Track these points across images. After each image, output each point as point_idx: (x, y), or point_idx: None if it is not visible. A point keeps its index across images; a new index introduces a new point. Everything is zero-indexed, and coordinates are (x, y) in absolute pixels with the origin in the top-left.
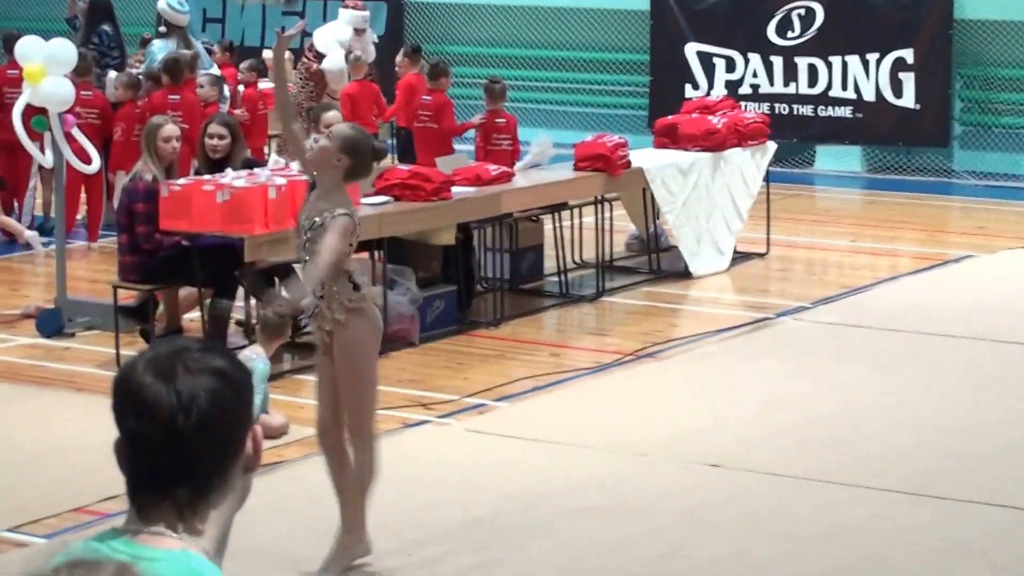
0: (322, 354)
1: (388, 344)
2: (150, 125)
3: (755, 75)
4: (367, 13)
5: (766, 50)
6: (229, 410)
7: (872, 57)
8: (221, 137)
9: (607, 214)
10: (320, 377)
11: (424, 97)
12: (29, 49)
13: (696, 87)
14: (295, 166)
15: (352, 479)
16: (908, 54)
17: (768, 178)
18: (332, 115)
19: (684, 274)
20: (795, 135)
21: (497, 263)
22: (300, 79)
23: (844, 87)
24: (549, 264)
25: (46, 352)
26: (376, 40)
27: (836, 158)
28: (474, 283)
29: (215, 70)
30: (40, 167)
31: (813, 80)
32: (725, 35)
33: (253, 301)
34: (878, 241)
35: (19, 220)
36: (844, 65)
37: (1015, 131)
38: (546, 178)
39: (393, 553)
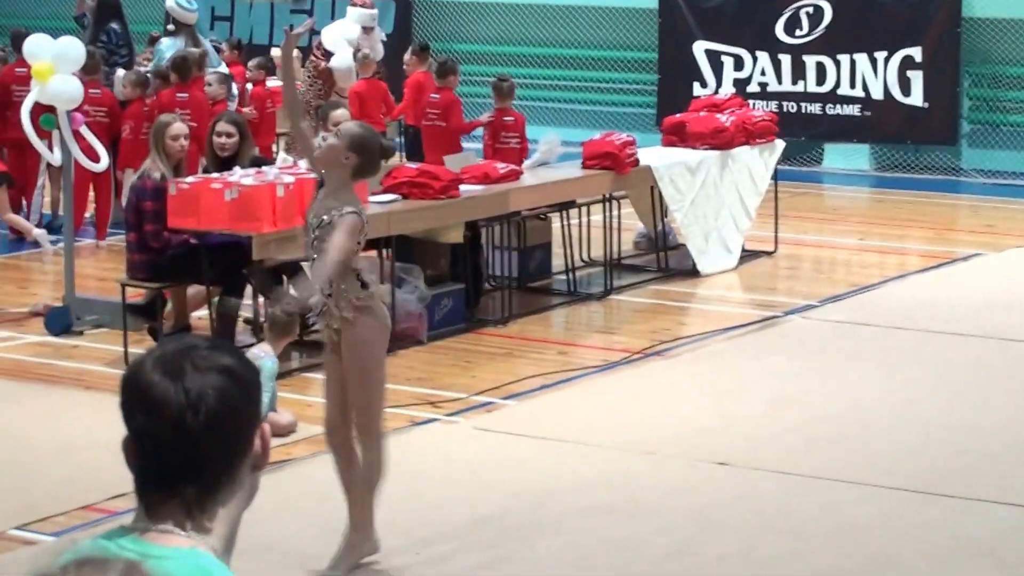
0: (330, 352)
1: (396, 342)
2: (158, 123)
3: (763, 73)
4: (375, 11)
5: (774, 48)
6: (237, 408)
7: (880, 55)
8: (229, 135)
9: (615, 212)
10: (328, 375)
11: (432, 95)
12: (37, 47)
13: (704, 85)
14: (303, 164)
15: (360, 477)
16: (916, 52)
17: (776, 176)
18: (340, 113)
19: (692, 272)
20: (803, 133)
21: (505, 261)
22: (308, 77)
23: (852, 85)
24: (557, 262)
25: (54, 350)
26: (384, 38)
27: (844, 156)
28: (482, 281)
29: (223, 68)
30: (48, 165)
31: (821, 78)
32: (733, 33)
33: (261, 299)
34: (886, 239)
35: (27, 218)
36: (852, 63)
37: (1023, 129)
38: (554, 176)
39: (401, 551)
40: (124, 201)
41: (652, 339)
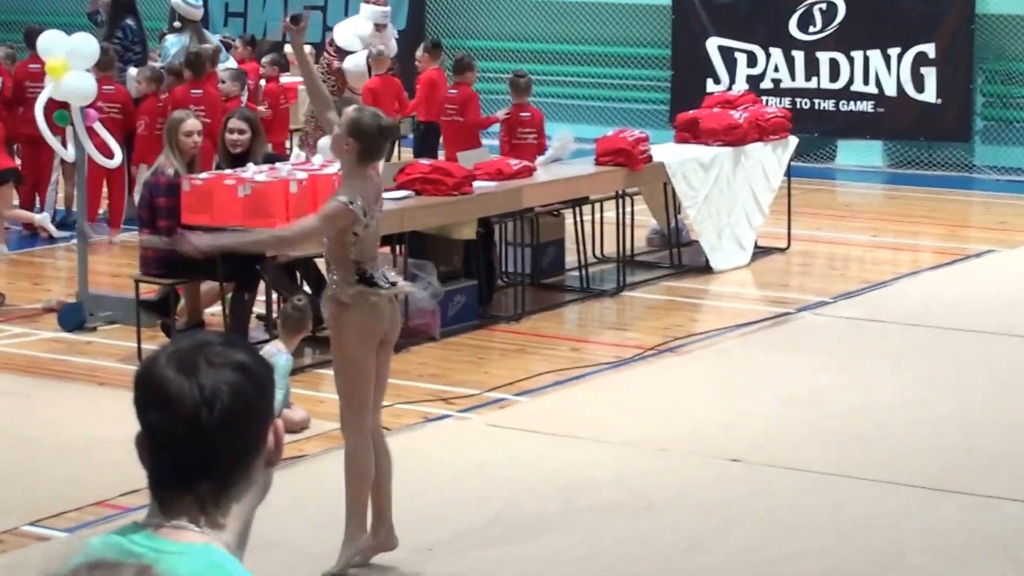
0: None
1: (409, 339)
2: (172, 120)
3: (776, 70)
4: (388, 8)
5: (788, 45)
6: (251, 404)
7: (894, 52)
8: (241, 132)
9: (628, 209)
10: None
11: (450, 91)
12: (51, 43)
13: (717, 82)
14: (316, 160)
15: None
16: (930, 49)
17: (789, 173)
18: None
19: (705, 269)
20: (816, 130)
21: (518, 257)
22: (322, 73)
23: (866, 82)
24: (570, 258)
25: (68, 346)
26: (396, 35)
27: (857, 153)
28: (495, 277)
29: (231, 63)
30: (62, 161)
31: (835, 75)
32: (747, 30)
33: (275, 295)
34: (899, 236)
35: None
36: (866, 60)
37: None
38: (567, 173)
39: (413, 547)
40: (137, 197)
41: (665, 335)
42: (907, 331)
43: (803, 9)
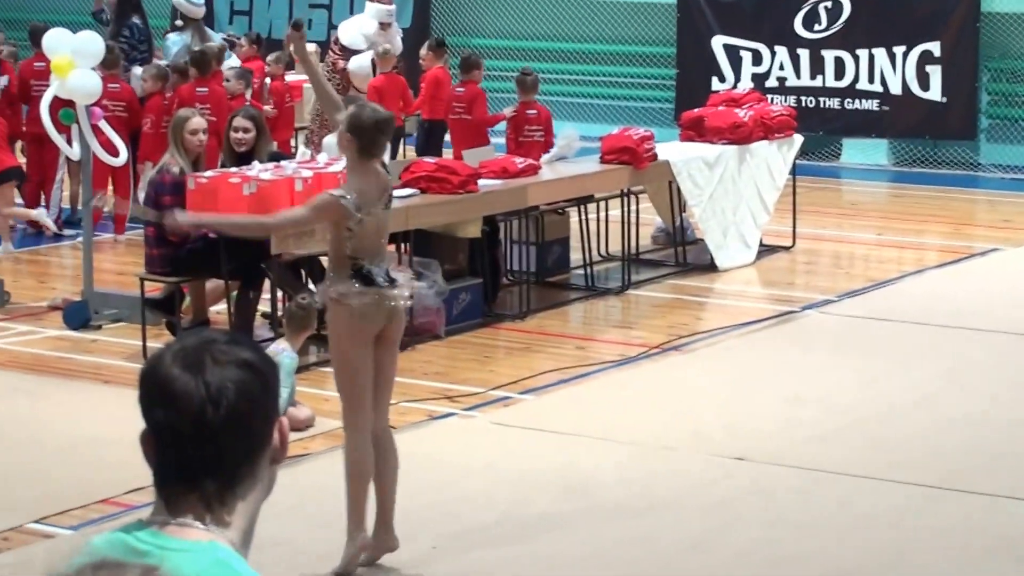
0: None
1: (414, 337)
2: (177, 118)
3: (782, 68)
4: (393, 7)
5: (793, 43)
6: (257, 402)
7: (899, 50)
8: (246, 130)
9: (633, 207)
10: None
11: (458, 89)
12: (57, 42)
13: (723, 80)
14: (321, 158)
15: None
16: (935, 47)
17: (794, 171)
18: None
19: (710, 267)
20: (821, 128)
21: (523, 256)
22: (327, 72)
23: (871, 80)
24: (575, 257)
25: (73, 344)
26: (401, 34)
27: (862, 151)
28: (500, 276)
29: (234, 61)
30: (67, 159)
31: (840, 73)
32: (752, 28)
33: (280, 293)
34: (904, 234)
35: (47, 212)
36: (871, 58)
37: None
38: (572, 171)
39: (418, 545)
40: (141, 195)
41: (670, 334)
42: (912, 329)
43: (808, 7)
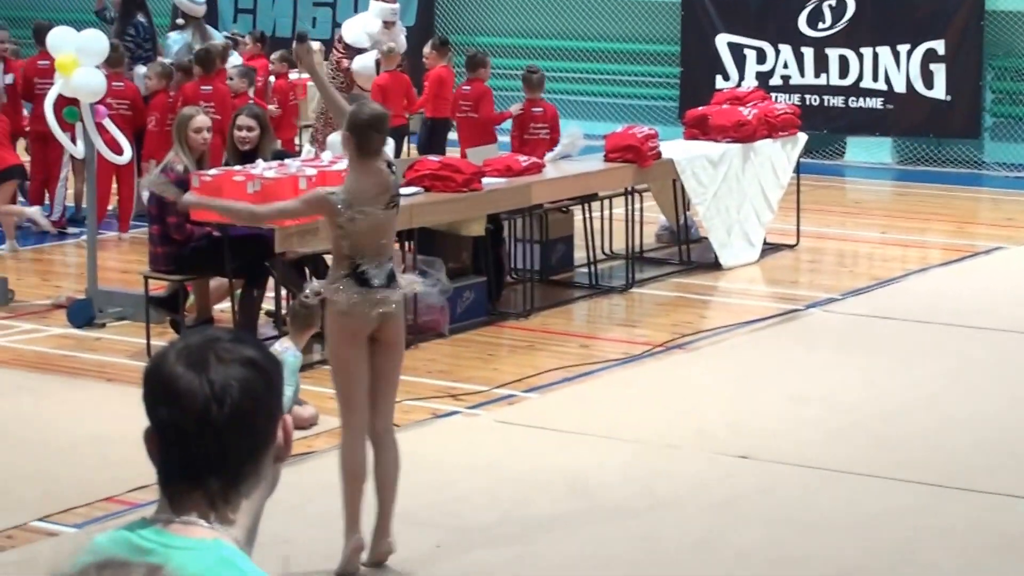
0: None
1: (418, 335)
2: (181, 116)
3: (786, 66)
4: (397, 6)
5: (797, 41)
6: (261, 400)
7: (903, 48)
8: (250, 129)
9: (637, 205)
10: None
11: (464, 87)
12: (61, 40)
13: (727, 78)
14: (326, 156)
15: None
16: (939, 45)
17: (798, 169)
18: None
19: (714, 265)
20: (825, 126)
21: (527, 254)
22: (331, 70)
23: (875, 78)
24: (579, 255)
25: (77, 342)
26: (405, 32)
27: (866, 150)
28: (504, 274)
29: (236, 59)
30: (72, 158)
31: (844, 71)
32: (756, 26)
33: (284, 291)
34: (908, 233)
35: (51, 211)
36: (875, 56)
37: None
38: (576, 169)
39: (421, 543)
40: (144, 193)
41: (674, 332)
42: (916, 328)
43: (812, 6)
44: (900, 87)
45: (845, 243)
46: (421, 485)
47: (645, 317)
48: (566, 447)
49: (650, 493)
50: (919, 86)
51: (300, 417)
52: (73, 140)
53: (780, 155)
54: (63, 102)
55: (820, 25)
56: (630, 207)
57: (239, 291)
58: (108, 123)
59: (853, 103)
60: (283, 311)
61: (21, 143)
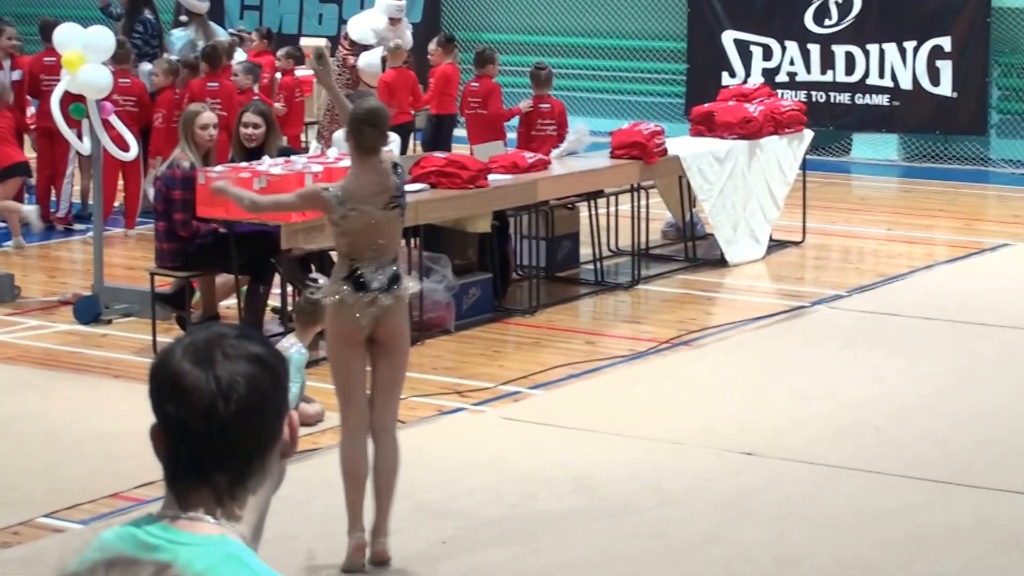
0: None
1: (424, 332)
2: (187, 113)
3: (792, 63)
4: (403, 2)
5: (803, 38)
6: (267, 396)
7: (909, 45)
8: (256, 126)
9: (643, 202)
10: None
11: (472, 84)
12: (67, 37)
13: (733, 75)
14: (331, 153)
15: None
16: (946, 42)
17: (804, 166)
18: None
19: (720, 262)
20: (832, 123)
21: (533, 251)
22: (336, 68)
23: (881, 75)
24: (585, 252)
25: (83, 339)
26: (411, 29)
27: (873, 146)
28: (510, 271)
29: (240, 55)
30: (78, 154)
31: (850, 68)
32: (762, 23)
33: (290, 288)
34: (914, 229)
35: (57, 207)
36: (881, 53)
37: None
38: (582, 166)
39: (428, 540)
40: (151, 190)
41: (679, 329)
42: (922, 325)
43: (819, 2)
44: (906, 84)
45: (851, 240)
46: (427, 481)
47: (651, 314)
48: (572, 444)
49: (656, 490)
50: (925, 83)
51: (306, 414)
52: (79, 137)
53: (786, 152)
54: (69, 99)
55: (826, 22)
56: (636, 204)
57: (245, 288)
58: (114, 120)
59: (859, 100)
60: (289, 308)
61: (27, 140)
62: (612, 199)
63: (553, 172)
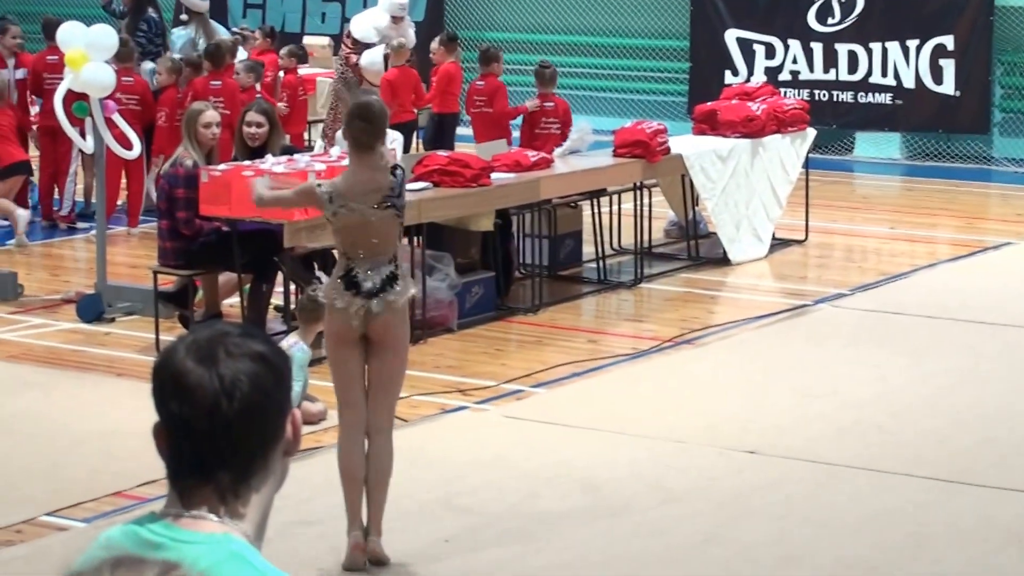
0: None
1: (426, 330)
2: (190, 111)
3: (795, 61)
4: (406, 1)
5: (806, 36)
6: (270, 394)
7: (912, 43)
8: (259, 125)
9: (646, 200)
10: None
11: (478, 83)
12: (70, 35)
13: (736, 73)
14: (334, 151)
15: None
16: (948, 40)
17: (807, 165)
18: None
19: (722, 261)
20: (834, 122)
21: (536, 249)
22: (339, 66)
23: (884, 74)
24: (587, 250)
25: (86, 337)
26: (413, 27)
27: (875, 145)
28: (512, 269)
29: (242, 54)
30: (81, 153)
31: (853, 67)
32: (765, 21)
33: (292, 286)
34: (917, 228)
35: (60, 206)
36: (884, 51)
37: None
38: (585, 164)
39: (430, 539)
40: (153, 189)
41: (682, 327)
42: (924, 323)
43: (822, 1)
44: (909, 82)
45: (854, 238)
46: (429, 480)
47: (653, 312)
48: (574, 442)
49: (658, 488)
50: (928, 81)
51: (309, 412)
52: (82, 135)
53: (789, 150)
54: (72, 97)
55: (829, 20)
56: (639, 202)
57: (248, 286)
58: (117, 118)
59: (862, 98)
60: (292, 306)
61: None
62: (615, 198)
63: (556, 170)
